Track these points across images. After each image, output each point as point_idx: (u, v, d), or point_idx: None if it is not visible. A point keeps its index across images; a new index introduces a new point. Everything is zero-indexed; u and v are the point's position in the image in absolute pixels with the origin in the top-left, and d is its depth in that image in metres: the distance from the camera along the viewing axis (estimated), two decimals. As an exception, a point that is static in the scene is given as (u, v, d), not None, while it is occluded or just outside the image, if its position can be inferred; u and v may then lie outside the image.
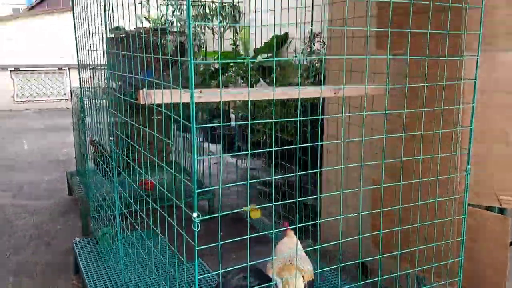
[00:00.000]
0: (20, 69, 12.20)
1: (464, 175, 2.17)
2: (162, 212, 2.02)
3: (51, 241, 4.10)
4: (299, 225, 1.96)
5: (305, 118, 2.36)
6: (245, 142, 6.62)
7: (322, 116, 3.55)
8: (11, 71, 11.91)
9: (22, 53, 17.35)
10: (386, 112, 2.02)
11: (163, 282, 2.66)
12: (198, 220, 1.53)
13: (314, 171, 2.16)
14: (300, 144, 1.88)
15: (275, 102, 6.04)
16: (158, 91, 1.83)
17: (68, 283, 3.36)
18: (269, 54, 7.03)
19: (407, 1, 1.89)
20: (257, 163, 6.29)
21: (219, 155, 6.49)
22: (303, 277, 2.12)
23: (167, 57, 2.01)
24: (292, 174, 1.97)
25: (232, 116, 7.63)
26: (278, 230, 2.57)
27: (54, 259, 3.76)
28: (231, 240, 1.71)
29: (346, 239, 2.08)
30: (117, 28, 3.91)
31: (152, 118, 2.23)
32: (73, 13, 3.57)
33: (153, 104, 1.86)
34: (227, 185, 1.91)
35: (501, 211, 2.24)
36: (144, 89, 1.86)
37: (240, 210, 3.95)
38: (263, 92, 1.87)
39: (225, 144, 7.01)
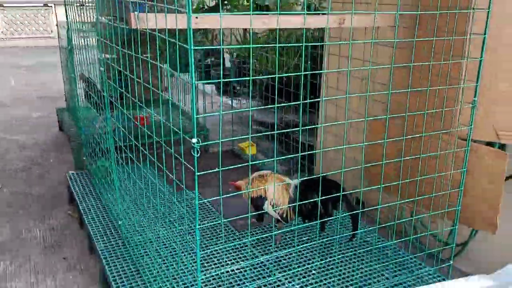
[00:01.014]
0: (4, 5, 11.68)
1: (465, 108, 2.13)
2: (167, 147, 1.98)
3: (44, 174, 4.09)
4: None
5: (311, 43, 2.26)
6: (240, 83, 6.51)
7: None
8: (-5, 7, 11.41)
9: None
10: (396, 40, 1.93)
11: (161, 209, 2.69)
12: (197, 145, 1.51)
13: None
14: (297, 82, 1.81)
15: (271, 43, 5.84)
16: (151, 14, 1.72)
17: (62, 213, 3.39)
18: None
19: None
20: (253, 103, 6.22)
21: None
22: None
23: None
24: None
25: (227, 56, 7.44)
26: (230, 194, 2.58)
27: (48, 190, 3.77)
28: (229, 167, 1.69)
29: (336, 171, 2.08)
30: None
31: (144, 55, 2.13)
32: None
33: (145, 29, 1.76)
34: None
35: (502, 147, 2.23)
36: (136, 12, 1.75)
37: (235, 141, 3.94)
38: (263, 19, 1.76)
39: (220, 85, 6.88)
